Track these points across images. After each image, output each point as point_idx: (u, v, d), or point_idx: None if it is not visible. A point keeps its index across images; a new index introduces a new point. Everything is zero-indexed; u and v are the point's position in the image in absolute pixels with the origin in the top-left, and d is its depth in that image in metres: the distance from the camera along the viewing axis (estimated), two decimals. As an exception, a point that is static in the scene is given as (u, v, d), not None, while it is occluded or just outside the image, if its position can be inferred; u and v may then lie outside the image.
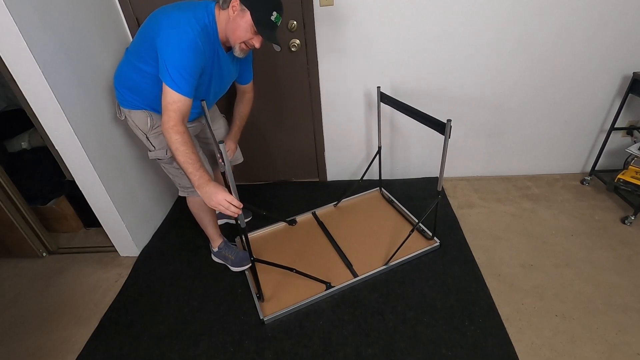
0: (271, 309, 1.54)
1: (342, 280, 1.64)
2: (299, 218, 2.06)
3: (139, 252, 1.94)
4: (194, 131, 1.59)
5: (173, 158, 1.49)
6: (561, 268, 1.65)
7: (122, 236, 1.89)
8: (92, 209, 1.80)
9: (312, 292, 1.59)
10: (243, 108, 1.67)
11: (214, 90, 1.44)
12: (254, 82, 1.66)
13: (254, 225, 2.01)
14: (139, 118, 1.44)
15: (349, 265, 1.72)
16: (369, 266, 1.69)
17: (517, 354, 1.31)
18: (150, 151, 1.51)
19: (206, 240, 1.84)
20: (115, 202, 1.76)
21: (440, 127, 1.44)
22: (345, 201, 2.16)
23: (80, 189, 1.73)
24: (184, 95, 1.21)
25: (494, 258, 1.73)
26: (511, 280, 1.61)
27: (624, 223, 1.88)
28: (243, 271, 1.73)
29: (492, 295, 1.54)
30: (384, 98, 1.79)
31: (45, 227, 2.04)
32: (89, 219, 2.05)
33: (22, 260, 1.99)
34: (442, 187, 2.24)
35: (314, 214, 2.08)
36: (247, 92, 1.66)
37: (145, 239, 2.01)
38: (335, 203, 2.13)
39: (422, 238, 1.84)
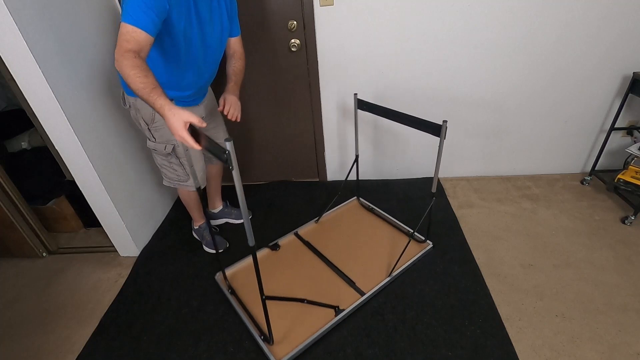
0: (284, 351, 1.34)
1: (350, 300, 1.51)
2: (282, 241, 1.88)
3: (139, 252, 1.94)
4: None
5: (171, 154, 1.50)
6: (561, 268, 1.65)
7: (122, 236, 1.89)
8: (92, 209, 1.80)
9: (320, 321, 1.43)
10: (235, 62, 1.56)
11: (199, 52, 1.36)
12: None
13: (232, 259, 1.77)
14: (143, 107, 1.43)
15: (351, 283, 1.61)
16: (372, 280, 1.60)
17: (517, 354, 1.31)
18: (149, 140, 1.52)
19: (206, 240, 1.84)
20: (115, 202, 1.76)
21: (435, 129, 1.40)
22: (326, 215, 2.05)
23: (80, 189, 1.73)
24: (138, 27, 1.09)
25: (494, 258, 1.73)
26: (511, 280, 1.61)
27: (624, 223, 1.88)
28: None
29: (492, 295, 1.54)
30: (362, 105, 1.72)
31: (45, 227, 2.04)
32: (89, 219, 2.05)
33: (22, 260, 1.99)
34: (443, 188, 2.26)
35: (297, 234, 1.93)
36: (236, 49, 1.57)
37: (145, 239, 2.00)
38: (316, 219, 2.01)
39: (415, 241, 1.81)
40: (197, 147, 1.04)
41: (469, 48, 1.88)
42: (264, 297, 1.27)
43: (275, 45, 1.94)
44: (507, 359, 1.30)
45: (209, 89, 1.70)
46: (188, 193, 1.74)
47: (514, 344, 1.35)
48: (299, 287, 1.61)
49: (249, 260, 1.74)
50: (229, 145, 0.94)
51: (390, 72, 1.98)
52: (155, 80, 1.10)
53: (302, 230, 1.96)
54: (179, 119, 1.03)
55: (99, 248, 2.02)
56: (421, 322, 1.45)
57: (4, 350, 1.52)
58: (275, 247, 1.85)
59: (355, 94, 1.74)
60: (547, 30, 1.82)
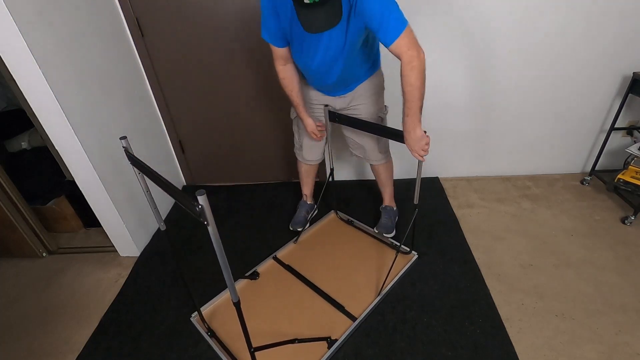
0: None
1: (341, 328, 1.43)
2: (260, 268, 1.75)
3: (139, 252, 1.94)
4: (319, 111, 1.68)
5: (294, 122, 1.78)
6: (561, 268, 1.65)
7: (122, 236, 1.89)
8: (92, 209, 1.80)
9: (314, 356, 1.34)
10: (403, 79, 1.24)
11: (306, 60, 1.39)
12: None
13: (209, 294, 1.62)
14: None
15: (340, 307, 1.52)
16: (362, 302, 1.53)
17: (517, 354, 1.31)
18: None
19: (205, 241, 1.82)
20: (115, 202, 1.76)
21: None
22: (304, 234, 1.95)
23: (80, 189, 1.73)
24: (266, 40, 1.38)
25: (494, 258, 1.73)
26: (511, 280, 1.61)
27: (624, 223, 1.88)
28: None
29: (492, 295, 1.54)
30: (333, 117, 1.63)
31: (45, 227, 2.03)
32: (89, 219, 2.05)
33: (22, 260, 1.99)
34: (443, 188, 2.26)
35: (276, 258, 1.80)
36: (401, 55, 1.21)
37: (145, 239, 2.00)
38: (295, 239, 1.90)
39: (400, 253, 1.72)
40: (313, 137, 1.68)
41: (469, 48, 1.88)
42: (252, 350, 1.19)
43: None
44: (507, 359, 1.30)
45: (365, 88, 1.59)
46: (299, 162, 1.93)
47: (514, 344, 1.35)
48: (286, 320, 1.50)
49: (227, 293, 1.61)
50: (201, 200, 0.80)
51: (388, 72, 1.98)
52: (296, 97, 1.54)
53: (281, 253, 1.84)
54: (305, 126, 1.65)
55: (99, 248, 2.02)
56: (421, 322, 1.45)
57: (4, 350, 1.52)
58: (255, 276, 1.71)
59: (326, 106, 1.63)
60: (547, 30, 1.82)
